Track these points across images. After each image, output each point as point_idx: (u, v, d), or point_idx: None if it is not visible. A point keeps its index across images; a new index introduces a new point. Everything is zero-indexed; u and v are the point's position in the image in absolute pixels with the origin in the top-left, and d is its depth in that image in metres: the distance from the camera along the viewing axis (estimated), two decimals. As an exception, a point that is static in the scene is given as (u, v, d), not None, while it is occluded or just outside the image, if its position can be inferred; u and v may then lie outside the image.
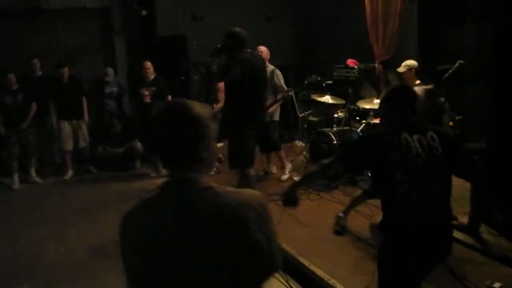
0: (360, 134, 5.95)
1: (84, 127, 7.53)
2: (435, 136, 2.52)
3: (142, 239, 1.49)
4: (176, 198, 1.48)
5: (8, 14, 7.92)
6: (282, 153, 6.41)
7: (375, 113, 6.04)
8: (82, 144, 7.55)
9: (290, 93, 7.07)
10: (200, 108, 1.53)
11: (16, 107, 6.97)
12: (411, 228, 2.46)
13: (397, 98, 2.62)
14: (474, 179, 2.56)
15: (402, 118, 2.57)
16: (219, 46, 4.77)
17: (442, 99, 4.71)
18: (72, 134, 7.42)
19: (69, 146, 7.41)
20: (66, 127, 7.37)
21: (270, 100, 6.13)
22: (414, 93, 2.68)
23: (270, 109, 6.16)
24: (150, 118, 1.60)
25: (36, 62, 7.36)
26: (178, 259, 1.45)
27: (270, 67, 6.23)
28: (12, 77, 6.96)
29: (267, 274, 1.57)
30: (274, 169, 6.67)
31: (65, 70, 7.30)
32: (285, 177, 6.27)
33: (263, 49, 6.26)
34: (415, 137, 2.50)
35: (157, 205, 1.51)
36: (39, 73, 7.43)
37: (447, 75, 3.61)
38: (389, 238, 2.55)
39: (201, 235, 1.44)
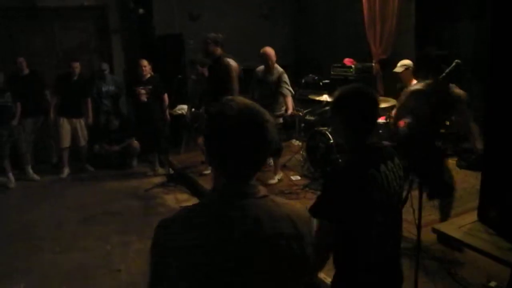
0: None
1: (84, 126, 7.53)
2: (400, 163, 2.12)
3: (196, 260, 1.32)
4: (235, 205, 1.36)
5: (4, 12, 7.89)
6: (279, 162, 6.37)
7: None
8: (82, 142, 7.53)
9: (300, 113, 7.11)
10: (270, 117, 1.42)
11: (5, 106, 6.92)
12: (378, 266, 2.09)
13: (350, 106, 2.07)
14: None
15: (362, 136, 2.08)
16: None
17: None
18: (71, 132, 7.39)
19: (66, 143, 7.39)
20: (65, 124, 7.35)
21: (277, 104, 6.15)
22: (372, 98, 2.09)
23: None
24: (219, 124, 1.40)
25: (22, 61, 7.32)
26: (234, 272, 1.33)
27: (278, 69, 6.17)
28: (0, 75, 6.92)
29: (303, 282, 1.51)
30: (270, 162, 6.64)
31: (76, 65, 7.27)
32: (272, 181, 6.17)
33: (269, 51, 6.11)
34: (389, 165, 2.06)
35: (208, 212, 1.38)
36: (26, 71, 7.38)
37: (444, 74, 3.60)
38: (349, 278, 2.12)
39: (266, 248, 1.35)
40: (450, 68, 3.64)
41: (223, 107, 1.38)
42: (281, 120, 6.31)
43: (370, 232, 2.01)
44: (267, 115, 1.40)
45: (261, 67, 6.19)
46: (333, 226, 1.98)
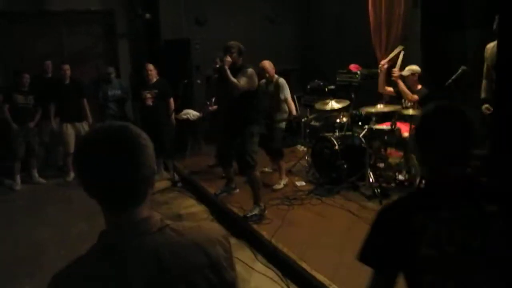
0: (363, 140, 5.94)
1: (87, 129, 7.53)
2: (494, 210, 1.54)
3: None
4: (127, 247, 1.20)
5: (12, 16, 7.97)
6: (283, 164, 6.39)
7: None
8: None
9: (302, 119, 7.15)
10: (141, 133, 1.27)
11: (26, 108, 7.02)
12: None
13: (438, 134, 1.61)
14: None
15: (447, 170, 1.61)
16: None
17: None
18: (75, 136, 7.43)
19: (72, 148, 7.42)
20: (69, 129, 7.39)
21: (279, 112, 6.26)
22: (469, 121, 1.64)
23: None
24: (85, 141, 1.28)
25: (49, 64, 7.50)
26: None
27: (274, 78, 6.33)
28: (27, 77, 7.03)
29: None
30: (268, 168, 6.75)
31: (67, 68, 7.31)
32: (278, 186, 6.19)
33: (267, 64, 6.29)
34: (463, 211, 1.54)
35: (101, 261, 1.22)
36: (49, 75, 7.50)
37: (450, 81, 3.60)
38: None
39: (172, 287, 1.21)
40: (456, 74, 3.65)
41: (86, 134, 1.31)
42: (283, 125, 6.41)
43: None
44: (139, 138, 1.24)
45: (264, 80, 6.32)
46: (384, 277, 1.63)
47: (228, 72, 4.91)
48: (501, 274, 1.51)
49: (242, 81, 4.96)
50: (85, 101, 7.56)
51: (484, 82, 4.85)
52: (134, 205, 1.23)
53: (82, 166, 1.23)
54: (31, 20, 8.18)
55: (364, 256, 1.65)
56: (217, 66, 5.19)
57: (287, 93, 6.26)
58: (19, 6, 7.92)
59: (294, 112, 6.42)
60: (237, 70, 5.01)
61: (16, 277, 4.46)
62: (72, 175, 7.50)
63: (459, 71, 3.48)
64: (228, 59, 4.96)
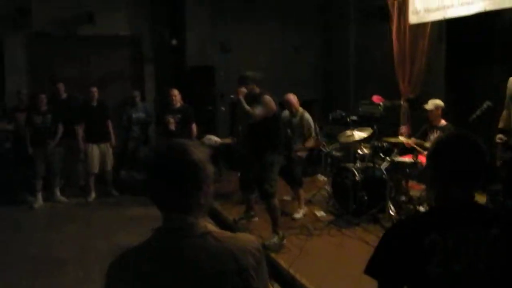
0: (384, 171, 5.91)
1: (110, 151, 7.66)
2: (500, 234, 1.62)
3: None
4: (174, 245, 1.42)
5: (44, 38, 8.23)
6: (302, 193, 6.38)
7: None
8: (109, 167, 7.66)
9: (323, 149, 7.17)
10: (199, 152, 1.48)
11: (45, 127, 7.16)
12: None
13: (449, 156, 1.69)
14: None
15: (455, 194, 1.68)
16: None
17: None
18: (100, 157, 7.54)
19: (96, 169, 7.53)
20: (94, 150, 7.50)
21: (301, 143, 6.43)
22: (480, 147, 1.70)
23: (299, 153, 6.44)
24: (146, 159, 1.60)
25: (61, 86, 7.65)
26: None
27: (299, 111, 6.48)
28: (44, 97, 7.20)
29: None
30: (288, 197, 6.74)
31: (95, 90, 7.46)
32: (297, 216, 6.15)
33: (291, 97, 6.46)
34: (472, 234, 1.61)
35: (151, 252, 1.43)
36: (64, 95, 7.67)
37: (474, 116, 3.58)
38: None
39: (202, 284, 1.39)
40: (480, 109, 3.63)
41: (156, 149, 1.54)
42: (304, 155, 6.55)
43: None
44: (194, 154, 1.46)
45: (287, 112, 6.41)
46: None
47: (243, 102, 4.99)
48: None
49: (257, 110, 5.01)
50: (109, 122, 7.69)
51: (504, 112, 4.81)
52: (183, 212, 1.44)
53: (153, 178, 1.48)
54: (62, 43, 8.44)
55: (372, 270, 1.73)
56: (231, 96, 5.26)
57: (312, 129, 6.45)
58: (51, 28, 8.19)
59: (311, 144, 6.62)
60: (253, 99, 5.07)
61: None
62: (93, 195, 7.59)
63: (484, 106, 3.46)
64: (243, 89, 5.04)
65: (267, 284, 1.52)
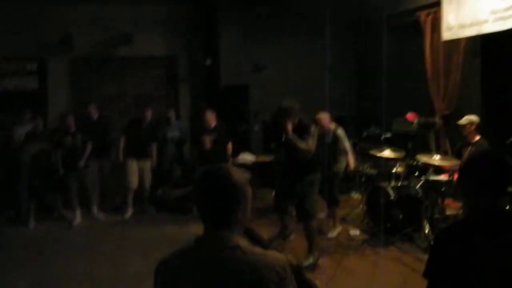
0: (419, 190, 5.86)
1: (149, 169, 7.82)
2: None
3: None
4: (208, 254, 1.64)
5: (81, 60, 8.55)
6: (338, 212, 6.41)
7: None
8: (147, 184, 7.82)
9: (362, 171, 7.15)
10: (238, 175, 1.70)
11: (75, 147, 7.40)
12: None
13: (476, 171, 1.96)
14: None
15: (481, 203, 1.93)
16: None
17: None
18: (138, 173, 7.71)
19: (134, 185, 7.71)
20: (133, 166, 7.69)
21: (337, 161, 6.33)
22: (505, 164, 1.96)
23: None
24: (195, 180, 1.77)
25: (92, 108, 7.89)
26: None
27: (331, 128, 6.37)
28: (71, 118, 7.45)
29: None
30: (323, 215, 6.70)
31: (149, 113, 7.75)
32: (332, 234, 6.19)
33: (322, 116, 6.34)
34: (496, 241, 1.84)
35: (190, 258, 1.68)
36: (95, 116, 7.90)
37: (511, 139, 3.53)
38: None
39: None
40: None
41: (203, 172, 1.74)
42: (341, 174, 6.46)
43: None
44: (234, 177, 1.68)
45: (319, 129, 6.38)
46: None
47: (296, 141, 4.96)
48: None
49: (310, 143, 5.03)
50: (155, 144, 7.89)
51: None
52: (222, 226, 1.67)
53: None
54: (99, 64, 8.74)
55: (427, 270, 2.00)
56: (283, 139, 5.08)
57: (346, 145, 6.34)
58: (88, 51, 8.50)
59: (352, 165, 6.46)
60: (299, 129, 5.05)
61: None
62: (130, 211, 7.76)
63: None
64: (289, 126, 4.97)
65: None
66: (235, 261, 1.62)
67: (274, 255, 1.72)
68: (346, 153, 6.32)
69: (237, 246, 1.64)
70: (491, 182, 1.92)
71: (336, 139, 6.28)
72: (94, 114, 7.90)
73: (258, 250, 1.69)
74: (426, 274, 2.00)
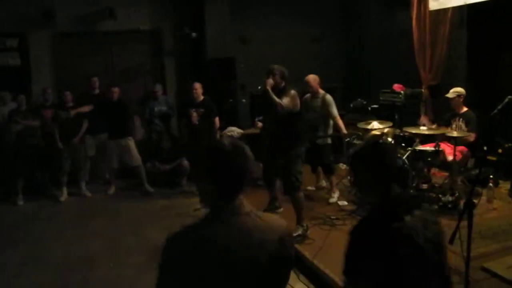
0: (406, 161, 5.93)
1: (133, 146, 7.68)
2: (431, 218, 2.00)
3: (190, 254, 1.67)
4: (227, 222, 1.71)
5: (67, 36, 8.40)
6: (334, 178, 6.51)
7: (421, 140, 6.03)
8: (135, 163, 7.70)
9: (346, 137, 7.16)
10: (247, 149, 1.82)
11: (69, 123, 7.34)
12: None
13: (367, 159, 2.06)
14: None
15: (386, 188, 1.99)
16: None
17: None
18: (119, 153, 7.63)
19: (115, 164, 7.68)
20: (111, 145, 7.62)
21: (326, 127, 6.37)
22: (387, 151, 2.10)
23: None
24: (210, 153, 1.80)
25: (96, 80, 7.81)
26: (221, 273, 1.67)
27: (320, 93, 6.38)
28: (68, 94, 7.40)
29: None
30: (324, 183, 6.86)
31: (116, 90, 7.51)
32: (332, 200, 6.33)
33: (310, 78, 6.34)
34: (416, 214, 1.94)
35: (207, 229, 1.72)
36: (97, 91, 7.82)
37: (496, 111, 3.58)
38: None
39: (249, 251, 1.69)
40: (502, 104, 3.63)
41: (218, 144, 1.80)
42: (330, 140, 6.52)
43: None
44: (247, 151, 1.79)
45: (308, 94, 6.36)
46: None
47: (271, 92, 5.05)
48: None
49: (285, 101, 5.09)
50: (133, 118, 7.82)
51: None
52: (234, 198, 1.75)
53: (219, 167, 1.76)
54: (85, 40, 8.60)
55: (345, 269, 1.98)
56: (259, 87, 5.25)
57: (334, 110, 6.33)
58: (73, 26, 8.35)
59: (344, 130, 6.47)
60: (280, 92, 5.14)
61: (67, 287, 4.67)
62: (112, 189, 7.78)
63: (506, 100, 3.43)
64: (270, 81, 5.10)
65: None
66: (254, 223, 1.73)
67: (278, 218, 1.88)
68: (335, 119, 6.34)
69: (251, 211, 1.76)
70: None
71: (324, 103, 6.28)
72: (96, 88, 7.85)
73: (265, 214, 1.82)
74: (348, 274, 1.95)
